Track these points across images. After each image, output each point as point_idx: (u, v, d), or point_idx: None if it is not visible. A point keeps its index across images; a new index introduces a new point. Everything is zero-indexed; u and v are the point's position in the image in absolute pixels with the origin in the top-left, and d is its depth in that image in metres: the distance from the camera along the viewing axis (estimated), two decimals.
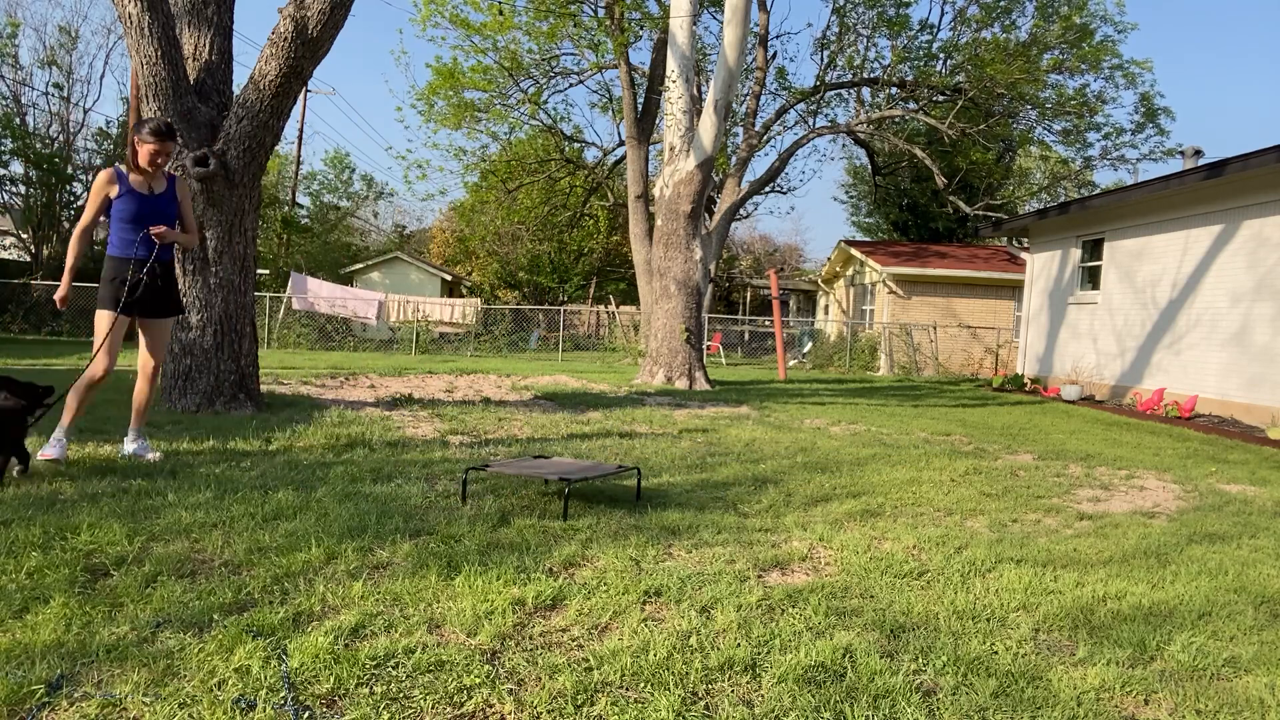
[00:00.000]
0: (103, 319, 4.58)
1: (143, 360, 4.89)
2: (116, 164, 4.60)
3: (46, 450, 4.42)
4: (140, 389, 4.88)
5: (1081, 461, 6.58)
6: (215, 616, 2.52)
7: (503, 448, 5.86)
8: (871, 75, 19.90)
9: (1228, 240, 10.74)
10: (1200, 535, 4.21)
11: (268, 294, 21.10)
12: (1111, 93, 18.63)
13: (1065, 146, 20.37)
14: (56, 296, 4.56)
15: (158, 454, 4.78)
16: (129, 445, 4.82)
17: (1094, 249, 13.97)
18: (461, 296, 31.14)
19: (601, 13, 18.06)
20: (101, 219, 4.65)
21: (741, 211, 22.87)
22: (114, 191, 4.53)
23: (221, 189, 6.85)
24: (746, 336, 30.02)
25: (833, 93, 20.51)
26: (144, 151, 4.53)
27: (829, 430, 7.68)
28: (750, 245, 45.93)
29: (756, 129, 19.38)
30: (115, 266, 4.61)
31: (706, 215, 18.85)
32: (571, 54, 19.81)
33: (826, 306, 29.11)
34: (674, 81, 12.04)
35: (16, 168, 23.70)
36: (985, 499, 4.87)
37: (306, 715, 2.00)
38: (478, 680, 2.20)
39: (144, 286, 4.65)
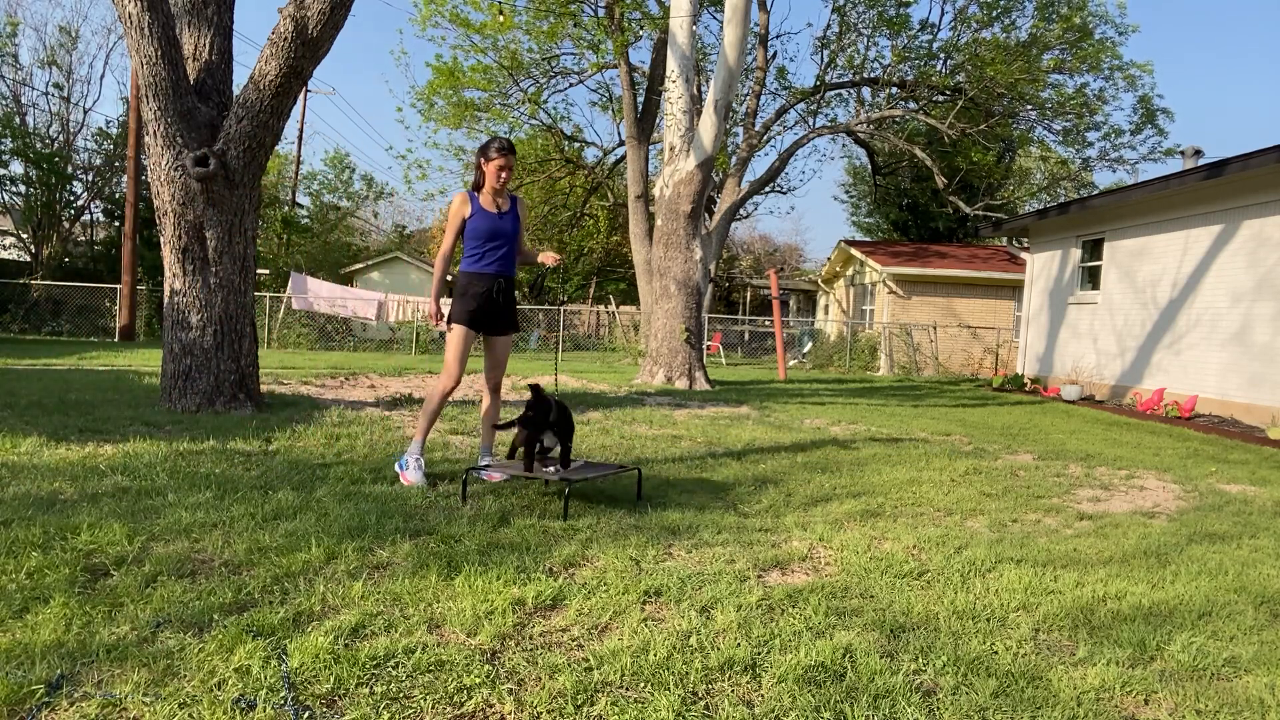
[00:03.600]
0: (457, 334, 4.64)
1: (491, 379, 4.96)
2: (469, 189, 4.74)
3: (410, 475, 4.50)
4: (491, 406, 4.95)
5: (1081, 461, 6.58)
6: (215, 616, 2.52)
7: (503, 448, 5.86)
8: (871, 75, 19.90)
9: (1228, 240, 10.74)
10: (1200, 535, 4.21)
11: (268, 294, 21.11)
12: (1111, 93, 18.63)
13: (1065, 147, 20.38)
14: (429, 314, 4.77)
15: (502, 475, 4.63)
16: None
17: (1094, 249, 13.97)
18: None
19: (601, 13, 18.06)
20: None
21: (741, 211, 22.87)
22: (467, 212, 4.63)
23: (221, 189, 6.85)
24: (746, 336, 30.02)
25: (833, 93, 20.51)
26: (492, 169, 4.60)
27: (829, 430, 7.68)
28: (750, 245, 45.93)
29: (756, 129, 19.38)
30: (464, 281, 4.68)
31: (706, 215, 18.85)
32: (571, 54, 19.83)
33: (826, 306, 29.11)
34: (674, 81, 12.04)
35: (16, 168, 23.72)
36: (985, 499, 4.87)
37: (306, 715, 2.00)
38: (478, 680, 2.20)
39: (495, 303, 4.72)
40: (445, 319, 4.70)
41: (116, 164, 24.24)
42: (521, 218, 4.85)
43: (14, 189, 24.15)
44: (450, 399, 7.83)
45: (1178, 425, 9.98)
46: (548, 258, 4.74)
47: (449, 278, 4.78)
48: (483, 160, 4.67)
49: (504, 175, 4.63)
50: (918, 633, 2.67)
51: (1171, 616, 2.96)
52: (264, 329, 19.60)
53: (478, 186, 4.72)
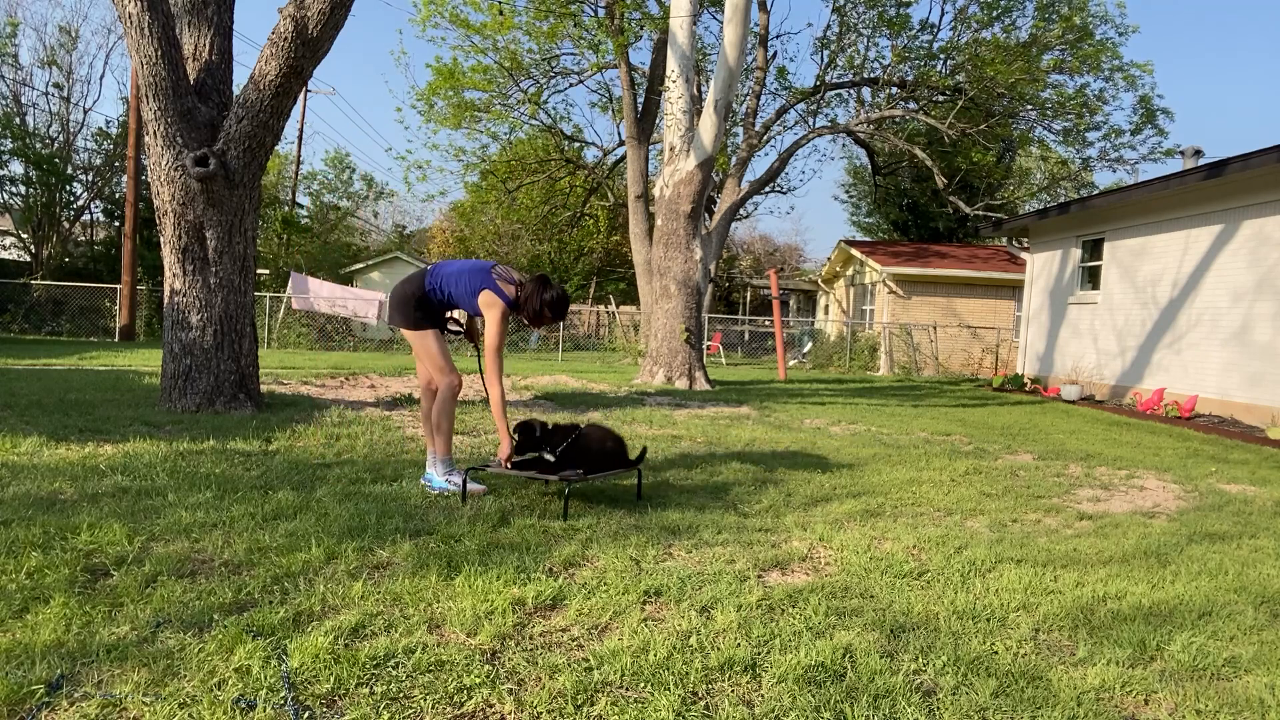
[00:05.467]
0: (431, 336, 4.53)
1: (427, 380, 4.81)
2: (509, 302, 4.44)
3: (452, 479, 4.42)
4: (429, 409, 4.77)
5: (1081, 461, 6.58)
6: (215, 616, 2.52)
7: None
8: (872, 75, 19.89)
9: (1228, 239, 10.74)
10: (1200, 535, 4.21)
11: (268, 294, 21.10)
12: (1111, 93, 18.63)
13: (1065, 147, 20.37)
14: (501, 455, 4.30)
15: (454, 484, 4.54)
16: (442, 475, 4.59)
17: (1094, 249, 13.96)
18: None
19: (601, 13, 18.06)
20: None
21: (741, 211, 22.87)
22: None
23: (221, 189, 6.85)
24: (746, 336, 30.01)
25: (833, 93, 20.50)
26: (539, 319, 4.42)
27: (829, 430, 7.68)
28: (750, 245, 45.93)
29: (756, 129, 19.38)
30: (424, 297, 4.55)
31: (706, 215, 18.87)
32: (571, 54, 19.82)
33: (826, 306, 29.11)
34: (674, 81, 12.04)
35: (16, 168, 23.71)
36: (985, 499, 4.87)
37: (306, 715, 2.00)
38: (478, 680, 2.20)
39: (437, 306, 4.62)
40: (462, 330, 4.69)
41: (116, 164, 24.24)
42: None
43: (14, 189, 24.15)
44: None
45: (1178, 425, 9.98)
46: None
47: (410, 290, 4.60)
48: (547, 309, 4.41)
49: (538, 324, 4.51)
50: (918, 633, 2.67)
51: (1171, 616, 2.96)
52: (264, 329, 19.60)
53: (515, 303, 4.46)
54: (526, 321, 4.50)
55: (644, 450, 4.59)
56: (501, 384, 4.31)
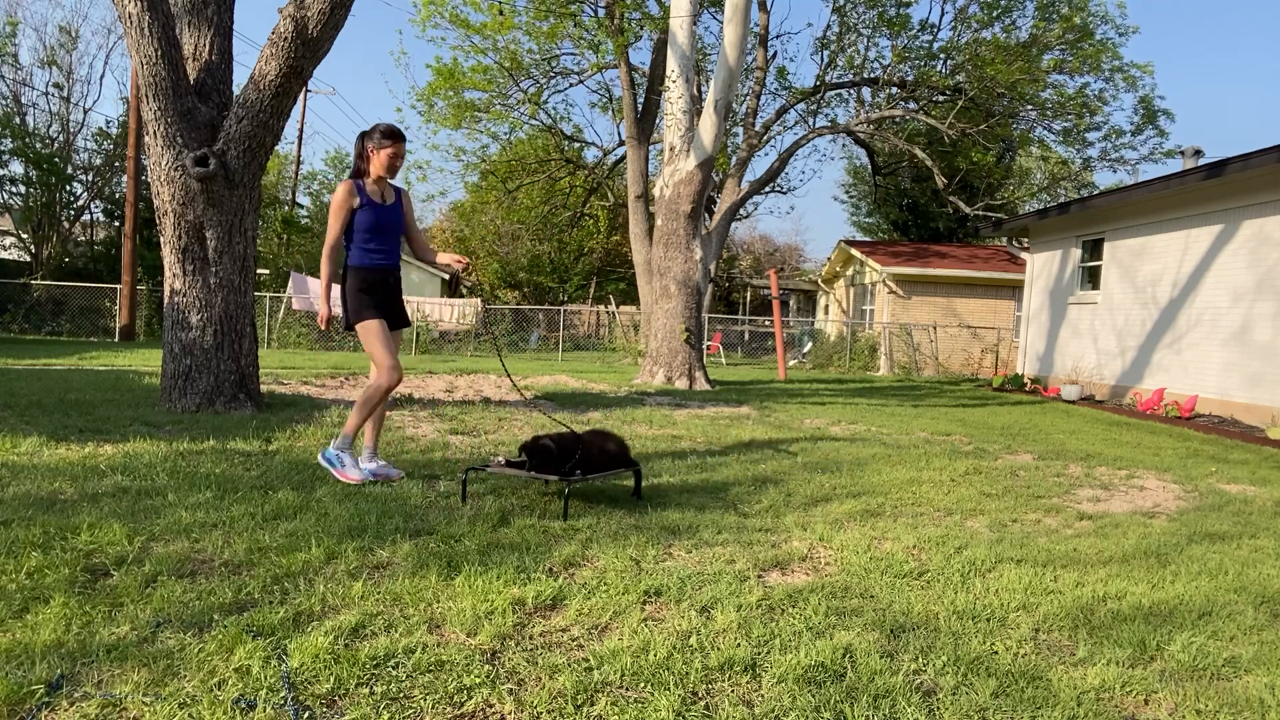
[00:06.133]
0: (371, 329, 4.47)
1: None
2: (355, 178, 4.53)
3: (349, 473, 4.42)
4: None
5: (1081, 461, 6.58)
6: (215, 616, 2.52)
7: (503, 448, 5.86)
8: (872, 75, 19.89)
9: (1228, 239, 10.74)
10: (1200, 535, 4.21)
11: (268, 294, 21.10)
12: (1111, 93, 18.63)
13: (1065, 147, 20.38)
14: (321, 318, 4.60)
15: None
16: (368, 465, 4.63)
17: (1094, 249, 13.97)
18: (461, 296, 31.11)
19: (601, 13, 18.07)
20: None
21: (741, 211, 22.87)
22: (355, 203, 4.47)
23: (221, 189, 6.85)
24: (746, 336, 30.02)
25: (833, 93, 20.51)
26: (383, 157, 4.48)
27: (829, 430, 7.68)
28: (750, 245, 45.93)
29: (756, 129, 19.38)
30: (360, 277, 4.52)
31: (706, 215, 18.86)
32: (571, 54, 19.83)
33: (826, 306, 29.11)
34: (674, 81, 12.04)
35: (16, 168, 23.71)
36: (985, 499, 4.87)
37: (306, 715, 2.00)
38: (478, 680, 2.20)
39: (389, 296, 4.62)
40: (344, 321, 4.53)
41: (116, 164, 24.24)
42: (407, 210, 4.72)
43: (14, 189, 24.15)
44: (448, 399, 7.80)
45: (1178, 425, 9.98)
46: (450, 259, 4.61)
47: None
48: (370, 147, 4.49)
49: (396, 164, 4.52)
50: (918, 633, 2.67)
51: (1171, 616, 2.96)
52: (264, 329, 19.60)
53: (360, 174, 4.54)
54: (382, 174, 4.50)
55: (638, 472, 4.51)
56: (330, 264, 4.52)
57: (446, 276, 5.02)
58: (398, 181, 4.74)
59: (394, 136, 4.51)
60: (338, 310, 4.76)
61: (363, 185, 4.52)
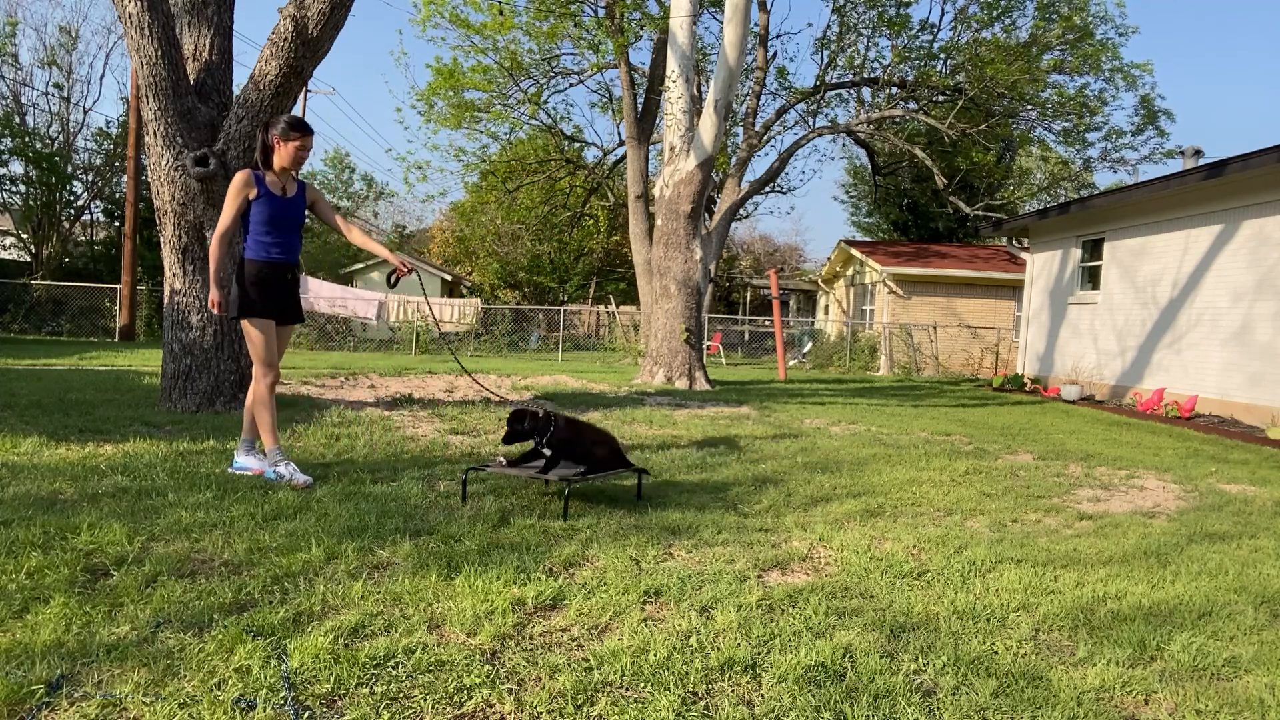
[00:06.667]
0: (257, 326, 4.39)
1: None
2: (253, 167, 4.43)
3: (298, 478, 4.34)
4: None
5: (1081, 461, 6.58)
6: (215, 616, 2.52)
7: (503, 448, 5.86)
8: (872, 75, 19.90)
9: (1228, 239, 10.74)
10: (1200, 535, 4.21)
11: None
12: (1111, 94, 18.64)
13: (1065, 147, 20.39)
14: (212, 301, 4.41)
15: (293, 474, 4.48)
16: (246, 459, 4.58)
17: (1094, 249, 13.97)
18: (461, 296, 31.14)
19: (601, 13, 18.07)
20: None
21: (741, 211, 22.87)
22: (253, 193, 4.35)
23: (221, 189, 6.83)
24: (746, 336, 30.02)
25: (833, 93, 20.51)
26: (289, 149, 4.37)
27: (829, 430, 7.68)
28: (750, 245, 45.93)
29: (756, 129, 19.38)
30: (255, 270, 4.41)
31: (706, 215, 18.86)
32: (571, 54, 19.83)
33: (826, 306, 29.11)
34: (674, 81, 12.04)
35: (16, 168, 23.72)
36: (985, 499, 4.87)
37: (306, 715, 2.00)
38: (478, 680, 2.20)
39: (282, 292, 4.52)
40: (232, 310, 4.42)
41: (116, 164, 24.24)
42: (315, 200, 4.65)
43: (14, 189, 24.16)
44: (448, 399, 7.80)
45: (1178, 425, 9.98)
46: (398, 262, 4.58)
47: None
48: (277, 138, 4.36)
49: (302, 157, 4.43)
50: (918, 633, 2.67)
51: (1171, 616, 2.96)
52: None
53: (261, 165, 4.42)
54: (286, 166, 4.41)
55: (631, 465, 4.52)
56: (220, 249, 4.36)
57: (391, 278, 4.98)
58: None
59: (301, 129, 4.41)
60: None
61: (261, 176, 4.40)
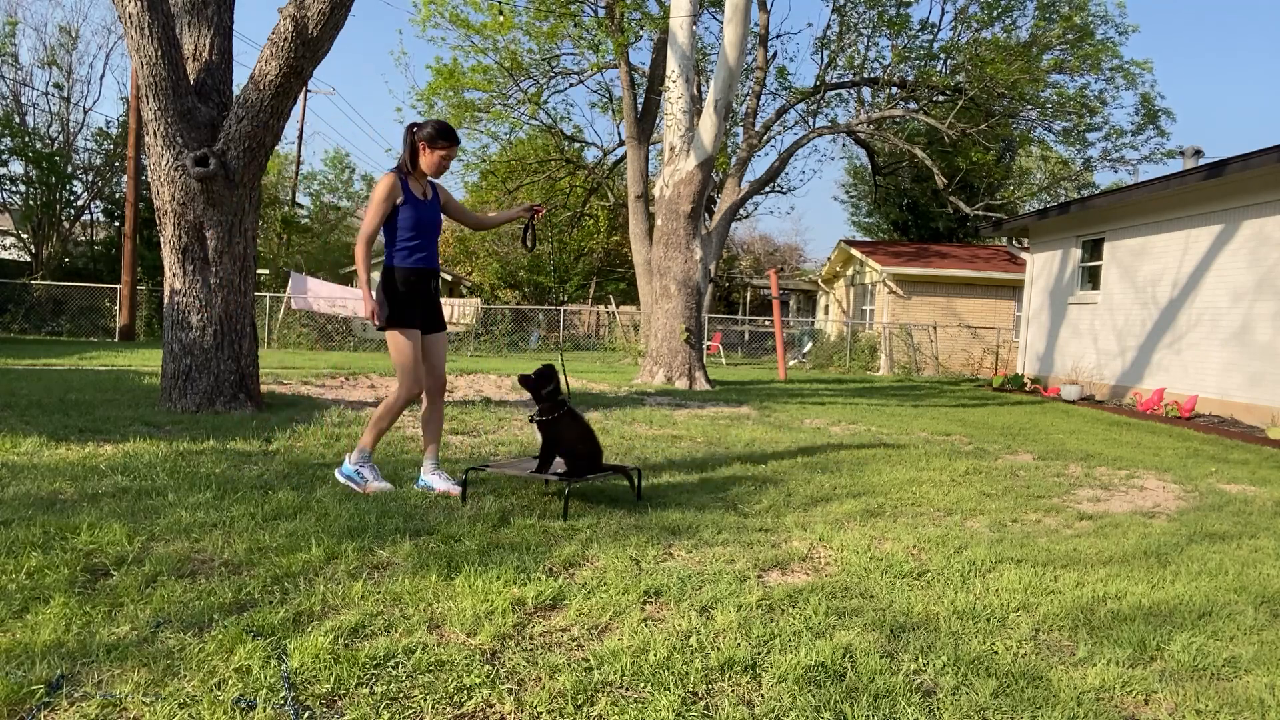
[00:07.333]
0: (404, 336, 4.25)
1: (433, 381, 4.52)
2: (397, 170, 4.29)
3: (371, 485, 4.28)
4: (433, 410, 4.54)
5: (1081, 461, 6.58)
6: (215, 616, 2.52)
7: (503, 448, 5.87)
8: (872, 75, 19.90)
9: (1228, 239, 10.74)
10: (1200, 535, 4.21)
11: (268, 294, 21.10)
12: (1112, 93, 18.64)
13: (1065, 147, 20.39)
14: (369, 311, 4.21)
15: (455, 487, 4.35)
16: (433, 479, 4.44)
17: (1094, 249, 13.97)
18: (461, 296, 31.14)
19: (601, 13, 18.07)
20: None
21: (741, 211, 22.87)
22: (400, 199, 4.22)
23: (221, 189, 6.85)
24: (746, 336, 30.01)
25: (833, 93, 20.51)
26: (434, 157, 4.25)
27: (829, 430, 7.68)
28: (750, 245, 45.93)
29: (756, 129, 19.38)
30: (404, 278, 4.27)
31: (706, 215, 18.86)
32: (571, 54, 19.83)
33: (826, 306, 29.11)
34: (674, 81, 12.04)
35: (16, 167, 23.72)
36: (985, 499, 4.87)
37: (306, 715, 2.00)
38: (478, 680, 2.20)
39: (429, 300, 4.40)
40: (380, 320, 4.25)
41: (116, 164, 24.24)
42: (447, 202, 4.54)
43: (14, 189, 24.16)
44: (448, 399, 7.79)
45: (1178, 425, 9.98)
46: (526, 210, 4.53)
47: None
48: (422, 143, 4.24)
49: (445, 165, 4.32)
50: (918, 633, 2.67)
51: (1171, 616, 2.96)
52: (264, 329, 19.59)
53: (405, 169, 4.29)
54: (429, 173, 4.33)
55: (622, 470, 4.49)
56: (365, 251, 4.23)
57: (526, 237, 4.80)
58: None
59: (449, 137, 4.28)
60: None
61: (406, 181, 4.27)
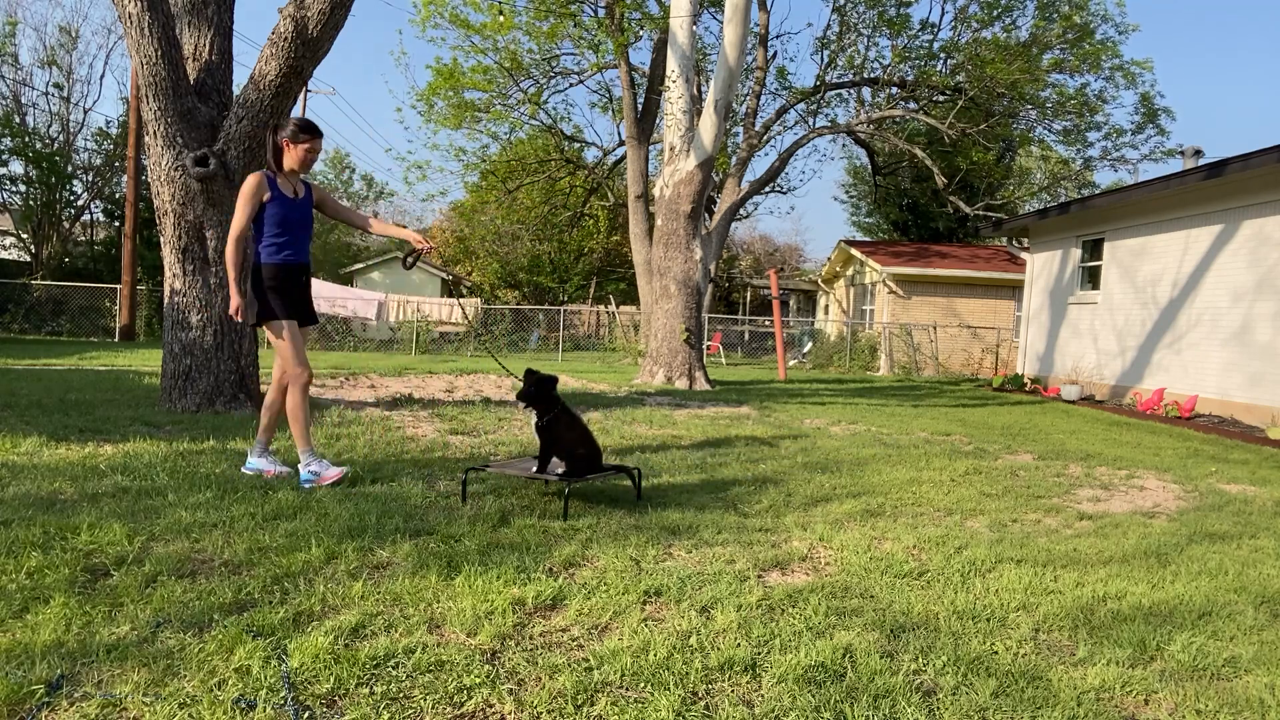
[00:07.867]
0: (282, 329, 4.39)
1: (281, 372, 4.60)
2: (264, 170, 4.44)
3: (331, 472, 4.37)
4: (276, 400, 4.61)
5: (1081, 461, 6.58)
6: (215, 616, 2.52)
7: (503, 448, 5.87)
8: (872, 75, 19.89)
9: (1228, 239, 10.74)
10: (1200, 535, 4.21)
11: None
12: (1112, 92, 18.63)
13: (1065, 146, 20.38)
14: (234, 308, 4.34)
15: (283, 469, 4.57)
16: (260, 462, 4.60)
17: (1094, 249, 13.96)
18: (461, 296, 31.14)
19: (601, 13, 18.07)
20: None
21: (741, 211, 22.87)
22: (266, 196, 4.35)
23: (221, 189, 6.85)
24: (746, 336, 30.01)
25: (833, 92, 20.51)
26: (299, 151, 4.40)
27: (829, 430, 7.68)
28: (750, 245, 45.92)
29: (756, 129, 19.38)
30: (271, 273, 4.40)
31: (706, 215, 18.86)
32: (571, 54, 19.83)
33: (826, 306, 29.11)
34: (674, 81, 12.04)
35: (16, 167, 23.72)
36: (985, 499, 4.87)
37: (306, 715, 2.00)
38: (478, 680, 2.20)
39: (300, 293, 4.54)
40: (251, 316, 4.41)
41: (116, 164, 24.24)
42: (322, 200, 4.67)
43: (14, 189, 24.16)
44: (448, 399, 7.80)
45: (1178, 425, 9.98)
46: (411, 236, 4.59)
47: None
48: (286, 140, 4.40)
49: (311, 159, 4.46)
50: (918, 633, 2.67)
51: (1171, 616, 2.96)
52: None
53: (273, 167, 4.43)
54: (296, 169, 4.43)
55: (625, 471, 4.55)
56: (237, 253, 4.32)
57: (406, 258, 4.97)
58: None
59: (311, 131, 4.44)
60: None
61: (274, 178, 4.42)
